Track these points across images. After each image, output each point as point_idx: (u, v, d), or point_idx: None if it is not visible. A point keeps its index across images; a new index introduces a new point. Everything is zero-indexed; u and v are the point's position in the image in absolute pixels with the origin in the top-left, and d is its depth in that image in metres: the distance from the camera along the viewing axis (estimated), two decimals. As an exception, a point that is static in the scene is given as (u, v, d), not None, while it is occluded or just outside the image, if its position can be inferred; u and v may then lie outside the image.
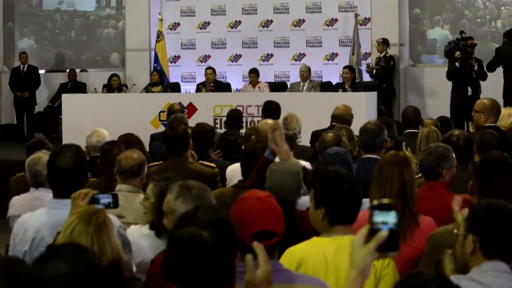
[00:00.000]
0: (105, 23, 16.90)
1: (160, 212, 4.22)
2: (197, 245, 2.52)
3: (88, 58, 16.91)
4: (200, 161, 6.51)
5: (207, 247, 2.52)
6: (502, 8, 14.54)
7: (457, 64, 12.10)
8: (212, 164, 6.51)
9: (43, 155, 5.36)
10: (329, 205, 3.63)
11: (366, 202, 4.71)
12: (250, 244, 3.09)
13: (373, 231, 2.44)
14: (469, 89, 12.03)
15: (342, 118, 8.40)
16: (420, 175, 5.15)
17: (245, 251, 2.86)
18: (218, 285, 2.59)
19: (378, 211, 2.45)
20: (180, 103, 10.88)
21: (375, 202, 2.47)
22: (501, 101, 10.34)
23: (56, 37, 17.18)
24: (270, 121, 6.40)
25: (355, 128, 7.23)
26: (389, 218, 2.44)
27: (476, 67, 12.01)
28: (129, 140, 6.49)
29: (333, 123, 8.35)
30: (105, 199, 3.87)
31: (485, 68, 12.18)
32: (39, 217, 4.33)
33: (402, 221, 4.21)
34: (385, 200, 2.48)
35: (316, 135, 8.09)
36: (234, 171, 5.93)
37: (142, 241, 4.39)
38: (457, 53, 12.06)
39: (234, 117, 8.93)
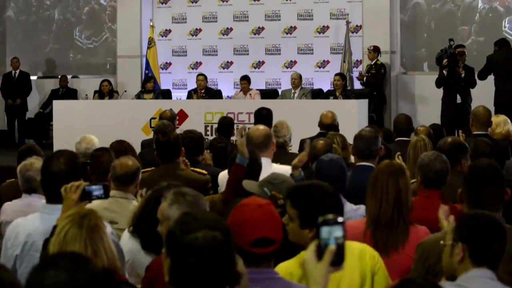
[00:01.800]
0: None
1: (140, 215, 4.20)
2: (214, 246, 2.50)
3: (77, 64, 16.89)
4: (192, 168, 6.51)
5: (222, 247, 2.51)
6: (477, 15, 14.67)
7: (444, 71, 12.14)
8: (204, 171, 6.50)
9: (35, 161, 5.35)
10: None
11: (360, 208, 4.72)
12: (249, 251, 3.09)
13: (321, 247, 2.49)
14: (458, 96, 12.04)
15: (332, 126, 8.44)
16: (414, 180, 5.13)
17: (243, 258, 2.84)
18: (232, 282, 2.58)
19: (325, 226, 2.49)
20: (171, 109, 10.86)
21: (320, 218, 2.51)
22: (492, 109, 10.40)
23: (45, 41, 17.14)
24: (261, 127, 6.38)
25: (345, 135, 7.26)
26: (336, 232, 2.48)
27: (463, 75, 12.03)
28: (122, 147, 6.45)
29: (322, 131, 8.36)
30: (97, 191, 3.87)
31: (476, 76, 12.22)
32: (32, 221, 4.33)
33: (396, 231, 4.21)
34: (331, 216, 2.51)
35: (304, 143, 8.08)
36: (226, 177, 5.91)
37: (129, 244, 4.40)
38: (444, 61, 12.10)
39: (226, 124, 8.92)
